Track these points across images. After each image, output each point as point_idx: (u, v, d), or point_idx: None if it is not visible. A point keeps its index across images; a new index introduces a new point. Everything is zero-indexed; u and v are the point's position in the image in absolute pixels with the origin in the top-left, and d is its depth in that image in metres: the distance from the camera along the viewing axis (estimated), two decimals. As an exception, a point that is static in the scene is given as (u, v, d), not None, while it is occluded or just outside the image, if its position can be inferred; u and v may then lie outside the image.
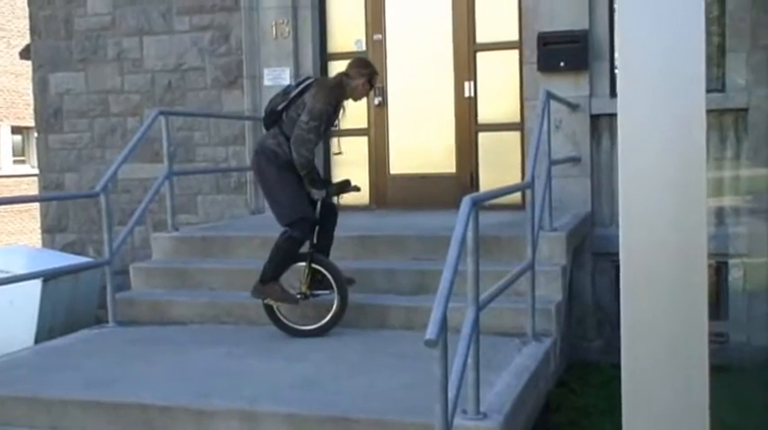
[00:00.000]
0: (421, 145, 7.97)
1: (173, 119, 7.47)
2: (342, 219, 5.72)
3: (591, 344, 6.99)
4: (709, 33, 6.88)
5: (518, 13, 7.49)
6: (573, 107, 7.07)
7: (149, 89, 8.63)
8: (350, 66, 5.51)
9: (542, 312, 5.21)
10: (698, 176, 2.71)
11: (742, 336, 6.79)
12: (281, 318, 5.44)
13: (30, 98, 9.84)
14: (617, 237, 2.83)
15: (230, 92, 8.31)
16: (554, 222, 5.93)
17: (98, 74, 8.83)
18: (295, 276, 5.42)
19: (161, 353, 5.18)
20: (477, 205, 3.80)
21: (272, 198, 5.39)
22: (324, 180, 5.55)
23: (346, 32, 8.12)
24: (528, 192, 5.22)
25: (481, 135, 7.75)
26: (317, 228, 5.41)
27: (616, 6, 2.72)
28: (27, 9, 9.20)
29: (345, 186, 5.57)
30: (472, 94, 7.73)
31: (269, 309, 5.42)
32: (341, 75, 5.49)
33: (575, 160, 7.09)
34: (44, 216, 9.23)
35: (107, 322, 6.04)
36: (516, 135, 7.55)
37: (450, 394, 3.37)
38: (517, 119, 7.55)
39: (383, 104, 7.85)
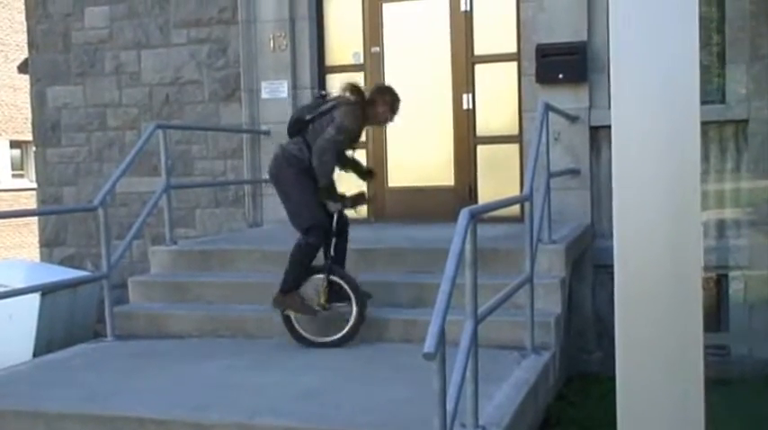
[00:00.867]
0: (419, 157, 7.95)
1: (170, 132, 7.50)
2: (341, 232, 5.70)
3: (591, 357, 6.95)
4: (708, 44, 6.88)
5: (516, 25, 7.48)
6: (572, 119, 7.06)
7: (147, 102, 8.62)
8: (373, 92, 5.59)
9: (541, 325, 5.19)
10: (692, 188, 2.70)
11: (743, 349, 6.75)
12: (299, 329, 5.46)
13: (28, 112, 9.84)
14: (617, 249, 2.82)
15: (228, 105, 8.31)
16: (553, 235, 5.92)
17: (96, 87, 8.83)
18: (312, 288, 5.44)
19: (159, 366, 5.17)
20: (476, 217, 3.80)
21: (290, 200, 5.45)
22: (340, 193, 5.59)
23: (344, 45, 8.11)
24: (527, 204, 5.20)
25: (480, 147, 7.73)
26: (333, 240, 5.46)
27: (610, 18, 2.69)
28: (25, 23, 9.22)
29: (360, 198, 5.65)
30: (470, 107, 7.72)
31: (287, 320, 5.45)
32: (364, 100, 5.53)
33: (574, 172, 7.08)
34: (42, 230, 9.22)
35: (105, 336, 6.03)
36: (515, 147, 7.54)
37: (449, 407, 3.37)
38: (516, 131, 7.53)
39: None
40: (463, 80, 7.74)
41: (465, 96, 7.72)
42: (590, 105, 7.12)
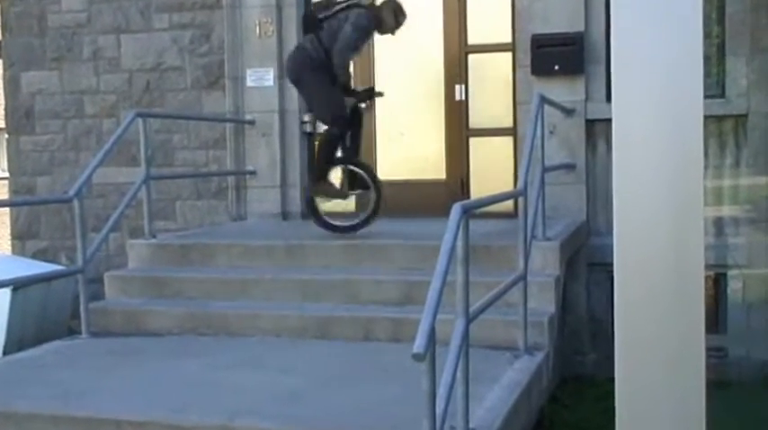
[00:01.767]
0: (409, 150, 7.91)
1: (151, 121, 7.35)
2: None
3: (585, 358, 6.90)
4: (708, 36, 6.82)
5: (511, 14, 7.41)
6: (568, 112, 7.00)
7: (126, 89, 8.46)
8: (382, 3, 6.28)
9: (535, 325, 5.16)
10: (695, 184, 2.64)
11: (741, 350, 6.71)
12: (323, 215, 6.24)
13: (0, 98, 9.63)
14: (613, 246, 2.74)
15: (211, 93, 8.16)
16: (547, 231, 5.88)
17: (73, 73, 8.63)
18: (335, 177, 6.24)
19: (136, 365, 5.11)
20: (468, 213, 3.77)
21: (314, 98, 6.25)
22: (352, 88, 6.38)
23: (332, 33, 7.99)
24: (520, 199, 5.16)
25: (472, 140, 7.67)
26: (348, 132, 6.19)
27: (611, 8, 2.61)
28: (-2, 5, 9.04)
29: (372, 92, 6.50)
30: (463, 98, 7.64)
31: (312, 208, 6.28)
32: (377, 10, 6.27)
33: (569, 167, 7.01)
34: (14, 221, 9.04)
35: (80, 333, 5.93)
36: (509, 140, 7.47)
37: (439, 409, 3.33)
38: (510, 123, 7.46)
39: (370, 108, 7.70)
40: (456, 70, 7.67)
41: (458, 87, 7.65)
42: (586, 98, 7.05)
